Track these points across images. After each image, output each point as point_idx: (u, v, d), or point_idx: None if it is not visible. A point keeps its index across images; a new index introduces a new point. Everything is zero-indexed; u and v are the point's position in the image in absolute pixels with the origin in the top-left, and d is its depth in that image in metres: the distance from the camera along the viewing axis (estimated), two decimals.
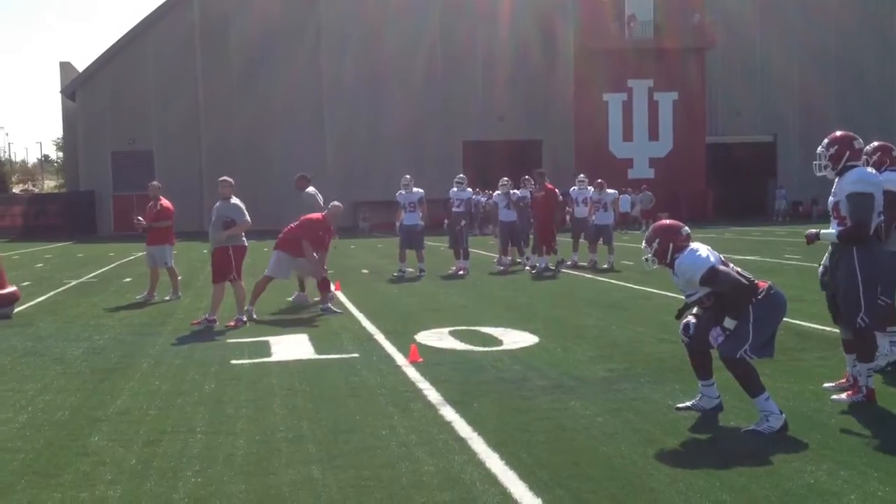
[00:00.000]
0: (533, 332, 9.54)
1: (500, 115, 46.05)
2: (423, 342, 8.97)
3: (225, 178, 11.29)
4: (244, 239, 11.08)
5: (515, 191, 17.97)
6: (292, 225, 12.05)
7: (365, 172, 45.01)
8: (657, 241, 5.87)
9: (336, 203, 12.32)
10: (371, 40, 45.62)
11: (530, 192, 17.78)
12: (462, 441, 5.52)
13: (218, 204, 11.06)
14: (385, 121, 45.66)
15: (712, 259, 5.70)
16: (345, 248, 24.27)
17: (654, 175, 45.90)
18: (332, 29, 45.73)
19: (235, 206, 10.93)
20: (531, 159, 42.86)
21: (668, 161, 46.94)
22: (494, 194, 18.54)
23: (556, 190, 17.44)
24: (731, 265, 5.82)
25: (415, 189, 16.69)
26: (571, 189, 19.07)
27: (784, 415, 5.59)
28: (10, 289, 12.12)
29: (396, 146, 45.32)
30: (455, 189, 17.84)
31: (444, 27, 46.13)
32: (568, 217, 20.21)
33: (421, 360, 8.02)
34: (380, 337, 9.54)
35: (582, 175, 19.35)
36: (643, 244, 5.99)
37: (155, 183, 14.13)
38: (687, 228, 5.97)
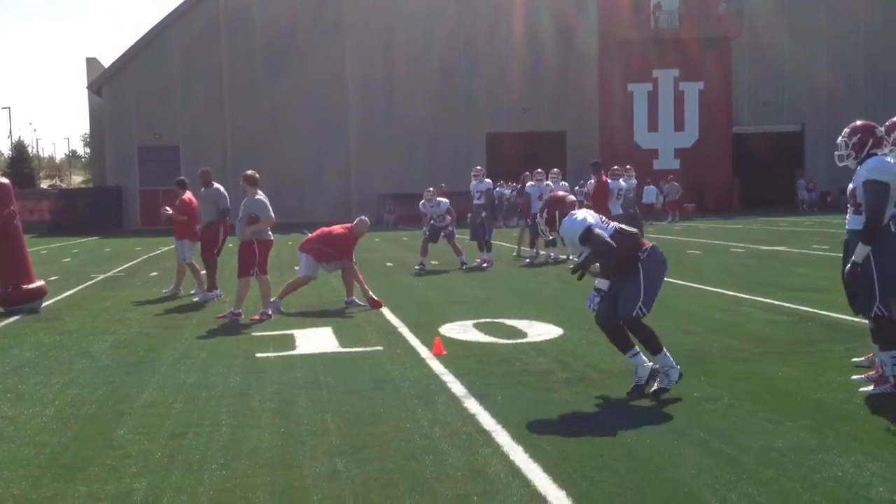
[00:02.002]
0: (557, 324, 9.50)
1: (524, 106, 45.88)
2: (448, 335, 8.96)
3: (249, 172, 11.33)
4: (269, 233, 11.12)
5: (548, 182, 17.78)
6: (318, 233, 12.02)
7: (388, 164, 45.08)
8: (546, 210, 6.65)
9: (363, 218, 12.23)
10: (394, 31, 45.61)
11: (549, 184, 17.60)
12: (486, 434, 5.51)
13: (245, 199, 11.11)
14: (408, 111, 45.59)
15: (590, 220, 6.33)
16: (369, 241, 24.32)
17: (679, 166, 45.59)
18: (356, 20, 45.74)
19: (260, 201, 10.96)
20: (555, 151, 42.75)
21: (694, 151, 46.60)
22: (528, 185, 18.39)
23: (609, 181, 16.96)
24: (613, 224, 6.51)
25: (439, 199, 16.67)
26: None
27: (679, 365, 6.23)
28: (38, 283, 12.25)
29: (419, 137, 45.32)
30: (473, 182, 17.82)
31: (466, 17, 45.99)
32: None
33: (445, 352, 8.01)
34: (404, 330, 9.54)
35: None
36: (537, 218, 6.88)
37: (181, 178, 14.16)
38: (572, 197, 7.11)
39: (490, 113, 46.19)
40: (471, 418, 5.88)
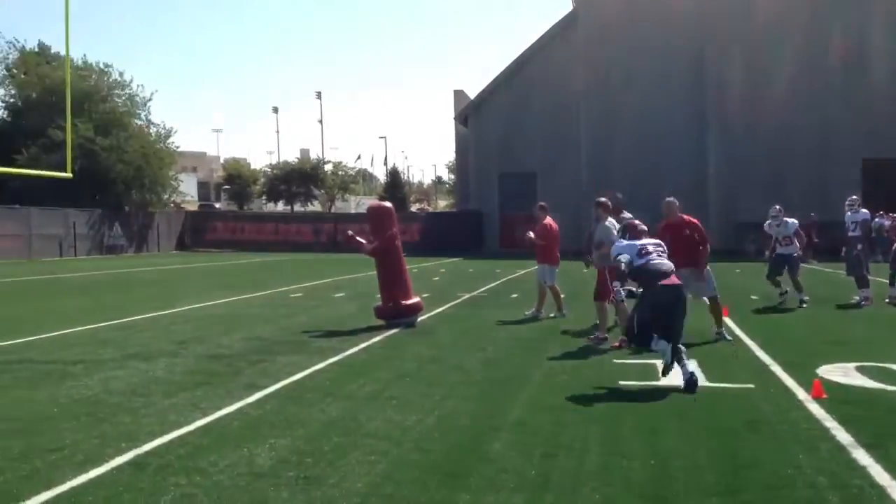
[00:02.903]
0: None
1: None
2: (827, 377, 8.30)
3: (602, 199, 11.36)
4: None
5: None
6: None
7: (751, 190, 43.14)
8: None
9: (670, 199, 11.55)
10: (759, 50, 43.74)
11: None
12: (880, 489, 5.01)
13: (597, 225, 11.18)
14: (778, 132, 43.40)
15: (620, 245, 8.60)
16: (730, 272, 23.40)
17: None
18: (716, 44, 44.53)
19: (606, 228, 10.98)
20: None
21: None
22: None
23: None
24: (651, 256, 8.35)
25: (787, 219, 15.59)
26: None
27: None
28: (415, 300, 13.21)
29: (789, 161, 42.93)
30: (848, 212, 16.46)
31: (842, 26, 42.83)
32: None
33: (825, 396, 7.42)
34: (776, 368, 8.99)
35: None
36: None
37: (542, 203, 14.57)
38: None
39: (868, 136, 42.47)
40: (860, 470, 5.38)
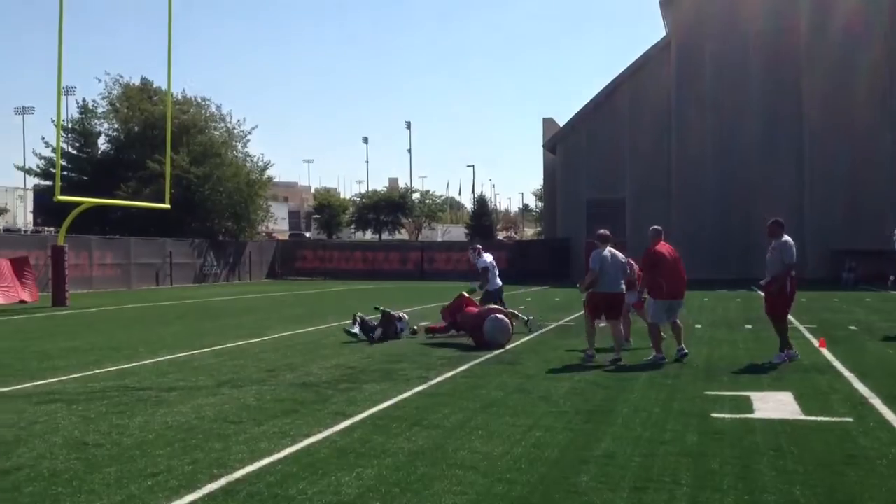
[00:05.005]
0: None
1: None
2: None
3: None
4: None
5: None
6: None
7: (850, 217, 41.90)
8: None
9: None
10: (855, 74, 42.60)
11: None
12: None
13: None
14: (880, 157, 42.10)
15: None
16: (828, 301, 22.70)
17: None
18: (812, 75, 43.55)
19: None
20: None
21: None
22: None
23: None
24: None
25: None
26: None
27: None
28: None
29: (891, 187, 41.57)
30: None
31: None
32: None
33: None
34: (875, 401, 8.66)
35: None
36: None
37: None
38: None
39: None
40: None
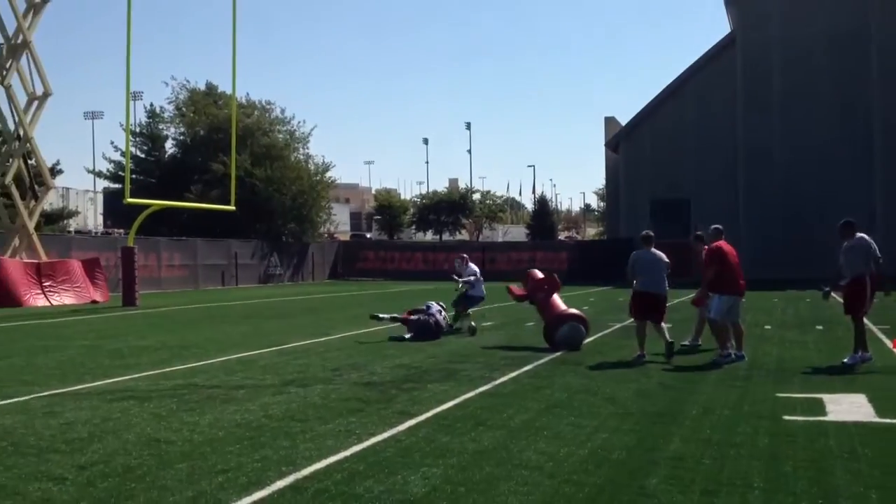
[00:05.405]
0: None
1: None
2: None
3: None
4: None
5: None
6: None
7: None
8: None
9: None
10: None
11: None
12: None
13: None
14: None
15: None
16: None
17: None
18: (884, 72, 42.38)
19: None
20: None
21: None
22: None
23: None
24: None
25: None
26: None
27: None
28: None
29: None
30: None
31: None
32: None
33: None
34: None
35: None
36: None
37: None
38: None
39: None
40: None
